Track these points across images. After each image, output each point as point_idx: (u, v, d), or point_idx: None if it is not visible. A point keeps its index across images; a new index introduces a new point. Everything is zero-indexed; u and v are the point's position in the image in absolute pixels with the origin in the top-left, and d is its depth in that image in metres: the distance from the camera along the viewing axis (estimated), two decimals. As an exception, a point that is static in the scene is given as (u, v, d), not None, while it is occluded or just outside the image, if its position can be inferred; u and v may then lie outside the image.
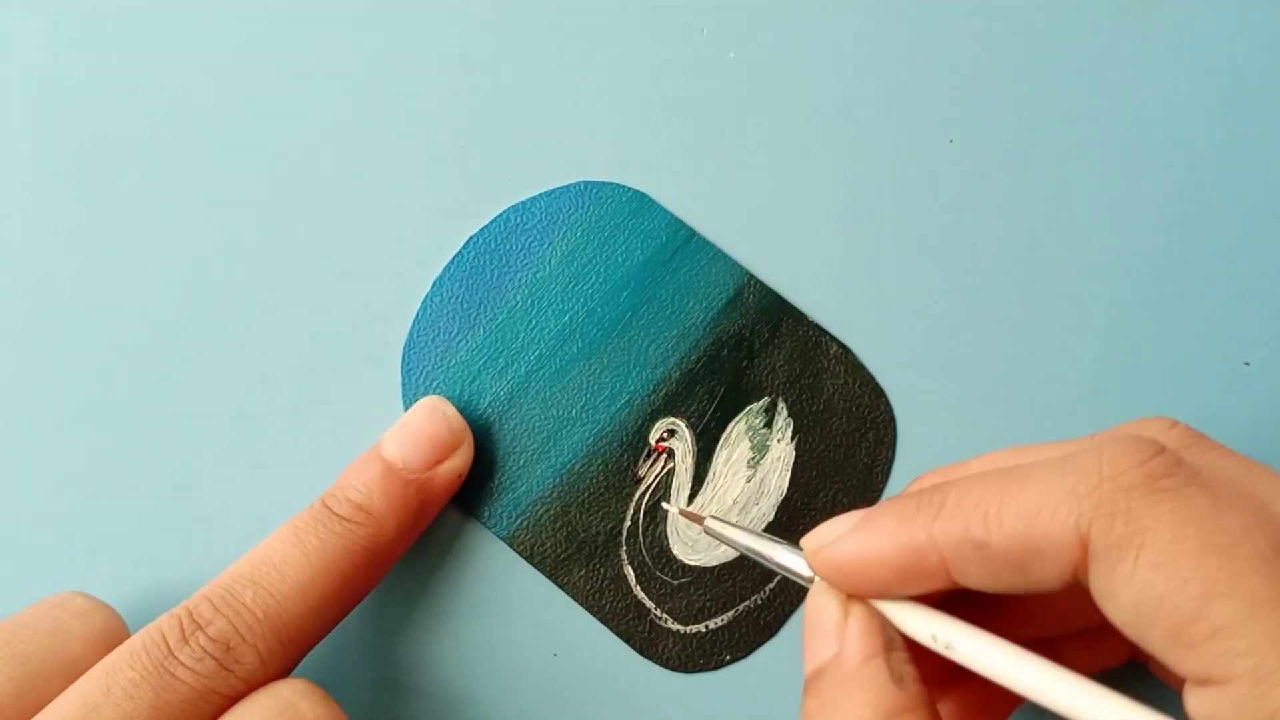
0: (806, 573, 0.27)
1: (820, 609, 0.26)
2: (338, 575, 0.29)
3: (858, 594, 0.26)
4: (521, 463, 0.34)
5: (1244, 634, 0.20)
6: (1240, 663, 0.20)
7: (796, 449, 0.34)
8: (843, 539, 0.26)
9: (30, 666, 0.28)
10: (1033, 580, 0.23)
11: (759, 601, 0.33)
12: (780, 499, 0.34)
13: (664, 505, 0.33)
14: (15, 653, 0.28)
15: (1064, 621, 0.27)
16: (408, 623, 0.33)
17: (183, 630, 0.27)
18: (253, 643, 0.28)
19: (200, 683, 0.27)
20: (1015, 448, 0.27)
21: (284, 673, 0.29)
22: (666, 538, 0.33)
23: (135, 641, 0.27)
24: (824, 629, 0.26)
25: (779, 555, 0.28)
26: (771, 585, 0.33)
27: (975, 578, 0.24)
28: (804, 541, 0.27)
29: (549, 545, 0.33)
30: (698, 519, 0.31)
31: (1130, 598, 0.21)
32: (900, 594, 0.25)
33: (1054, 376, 0.34)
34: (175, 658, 0.27)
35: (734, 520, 0.33)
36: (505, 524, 0.33)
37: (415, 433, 0.32)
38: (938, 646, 0.25)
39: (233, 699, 0.27)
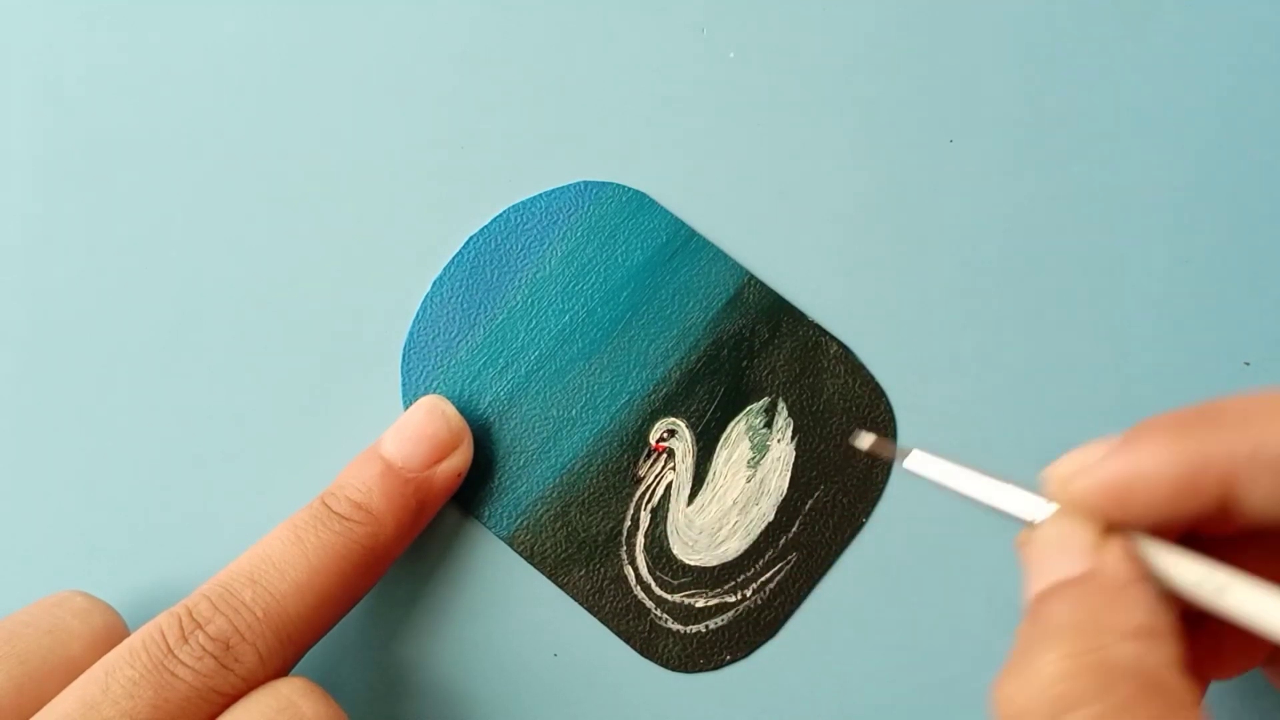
0: (1029, 513, 0.25)
1: (1066, 532, 0.24)
2: (337, 574, 0.29)
3: (1117, 519, 0.24)
4: (521, 463, 0.34)
5: None
6: None
7: (796, 449, 0.34)
8: (1107, 459, 0.24)
9: (30, 665, 0.28)
10: None
11: (759, 601, 0.33)
12: (780, 499, 0.34)
13: (860, 438, 0.31)
14: (15, 651, 0.28)
15: None
16: (408, 622, 0.33)
17: (182, 629, 0.27)
18: (252, 641, 0.28)
19: (200, 681, 0.27)
20: None
21: (283, 671, 0.29)
22: (666, 538, 0.33)
23: (135, 640, 0.27)
24: (1067, 550, 0.24)
25: (1000, 499, 0.26)
26: (772, 585, 0.33)
27: (1261, 497, 0.22)
28: (1050, 471, 0.25)
29: (549, 545, 0.33)
30: (893, 453, 0.28)
31: None
32: (1164, 517, 0.24)
33: (1054, 376, 0.34)
34: (175, 656, 0.27)
35: (740, 518, 0.33)
36: (505, 524, 0.33)
37: (415, 432, 0.32)
38: (1205, 590, 0.23)
39: (232, 697, 0.27)
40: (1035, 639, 0.23)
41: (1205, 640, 0.27)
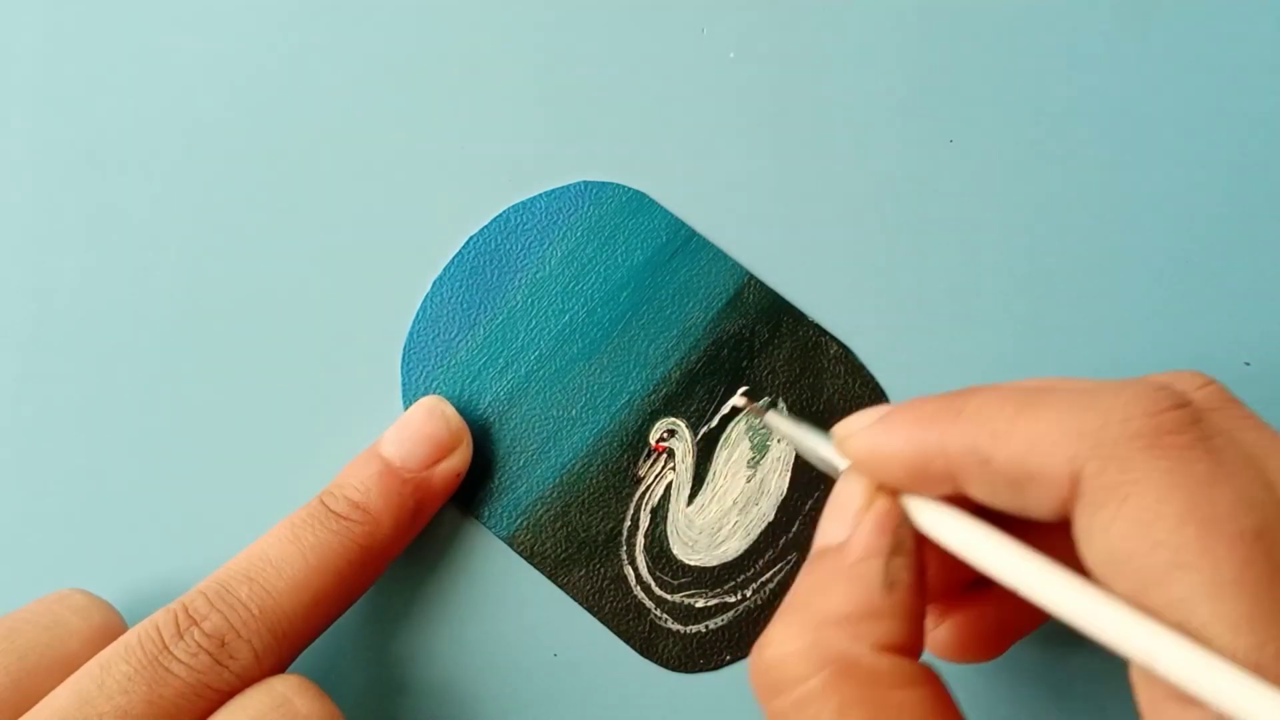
0: (841, 465, 0.27)
1: (846, 493, 0.26)
2: (334, 573, 0.29)
3: (878, 486, 0.26)
4: (521, 463, 0.34)
5: (1198, 610, 0.20)
6: (1194, 638, 0.20)
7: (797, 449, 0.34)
8: (861, 432, 0.25)
9: (28, 661, 0.28)
10: (1027, 504, 0.23)
11: (759, 602, 0.33)
12: (780, 499, 0.33)
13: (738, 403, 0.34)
14: (14, 647, 0.28)
15: None
16: (407, 622, 0.33)
17: (178, 625, 0.27)
18: (247, 638, 0.28)
19: (194, 677, 0.27)
20: (1048, 379, 0.26)
21: (279, 669, 0.29)
22: (666, 538, 0.33)
23: (130, 636, 0.27)
24: (843, 513, 0.25)
25: (823, 448, 0.28)
26: (771, 585, 0.33)
27: (976, 490, 0.24)
28: (835, 429, 0.27)
29: (549, 545, 0.33)
30: (760, 411, 0.32)
31: (1104, 546, 0.21)
32: (917, 492, 0.25)
33: (1054, 376, 0.34)
34: (170, 652, 0.27)
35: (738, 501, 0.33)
36: (505, 524, 0.33)
37: (414, 432, 0.32)
38: (966, 551, 0.24)
39: (227, 694, 0.27)
40: (781, 610, 0.25)
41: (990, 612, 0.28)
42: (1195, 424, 0.21)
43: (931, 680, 0.23)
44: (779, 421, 0.30)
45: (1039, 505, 0.23)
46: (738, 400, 0.34)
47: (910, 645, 0.24)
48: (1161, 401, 0.22)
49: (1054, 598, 0.22)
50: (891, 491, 0.26)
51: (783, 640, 0.24)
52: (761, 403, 0.34)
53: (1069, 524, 0.23)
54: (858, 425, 0.26)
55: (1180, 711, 0.20)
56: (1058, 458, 0.22)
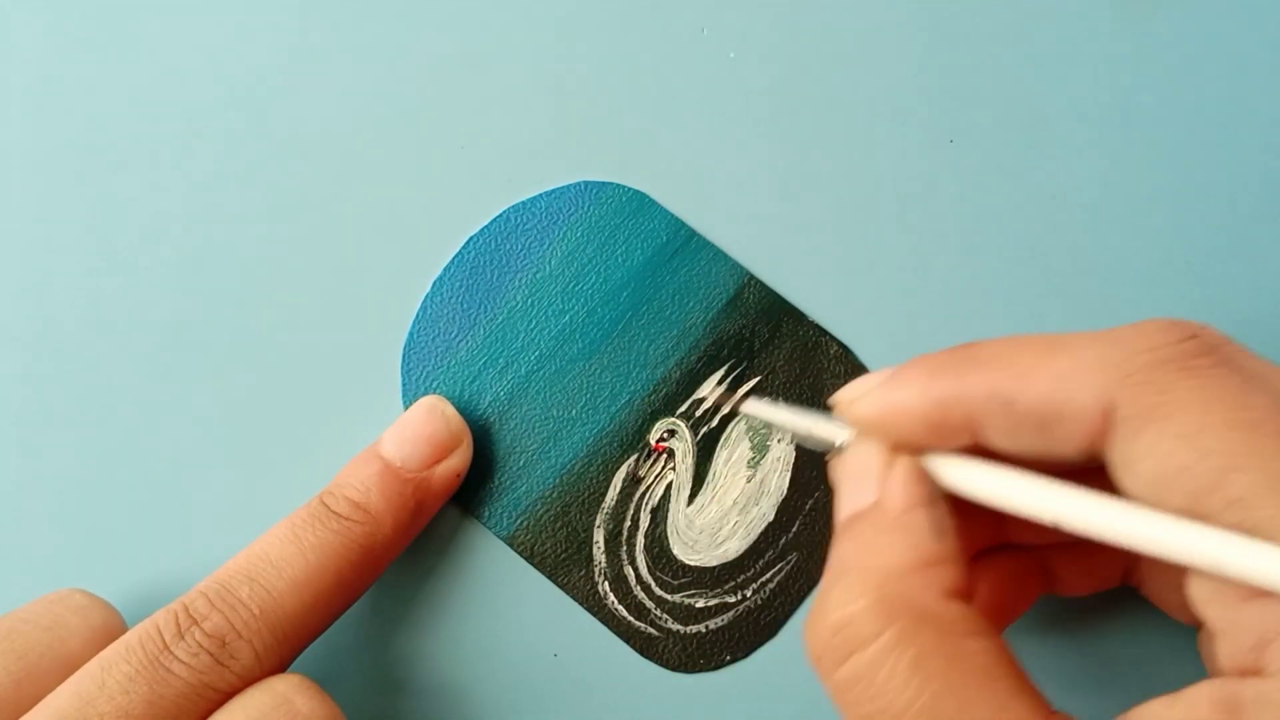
0: (842, 437, 0.27)
1: (862, 458, 0.26)
2: (334, 573, 0.29)
3: (893, 447, 0.26)
4: (521, 463, 0.34)
5: (1261, 505, 0.21)
6: (1260, 534, 0.21)
7: (797, 449, 0.34)
8: (871, 392, 0.26)
9: (28, 661, 0.28)
10: (1053, 443, 0.23)
11: (759, 602, 0.33)
12: (781, 499, 0.33)
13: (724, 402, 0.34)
14: (14, 647, 0.28)
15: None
16: (407, 621, 0.33)
17: (178, 625, 0.27)
18: (248, 638, 0.28)
19: (195, 677, 0.27)
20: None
21: (279, 669, 0.29)
22: (666, 538, 0.33)
23: (131, 636, 0.27)
24: (864, 476, 0.26)
25: (818, 425, 0.28)
26: (771, 585, 0.33)
27: (997, 436, 0.24)
28: (837, 396, 0.27)
29: (549, 545, 0.33)
30: (736, 403, 0.33)
31: (1150, 466, 0.22)
32: (935, 447, 0.25)
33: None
34: (170, 652, 0.27)
35: (738, 496, 0.33)
36: (505, 524, 0.33)
37: (414, 432, 0.32)
38: (1000, 499, 0.25)
39: (228, 694, 0.27)
40: (829, 578, 0.25)
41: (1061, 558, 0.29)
42: (1215, 348, 0.23)
43: (995, 632, 0.24)
44: (760, 407, 0.30)
45: (1065, 444, 0.23)
46: (710, 391, 0.34)
47: (970, 593, 0.24)
48: (1183, 330, 0.23)
49: (1113, 525, 0.23)
50: (908, 451, 0.26)
51: (844, 601, 0.24)
52: (739, 393, 0.34)
53: (1091, 462, 0.23)
54: (863, 389, 0.26)
55: (1246, 609, 0.22)
56: (1088, 391, 0.23)
